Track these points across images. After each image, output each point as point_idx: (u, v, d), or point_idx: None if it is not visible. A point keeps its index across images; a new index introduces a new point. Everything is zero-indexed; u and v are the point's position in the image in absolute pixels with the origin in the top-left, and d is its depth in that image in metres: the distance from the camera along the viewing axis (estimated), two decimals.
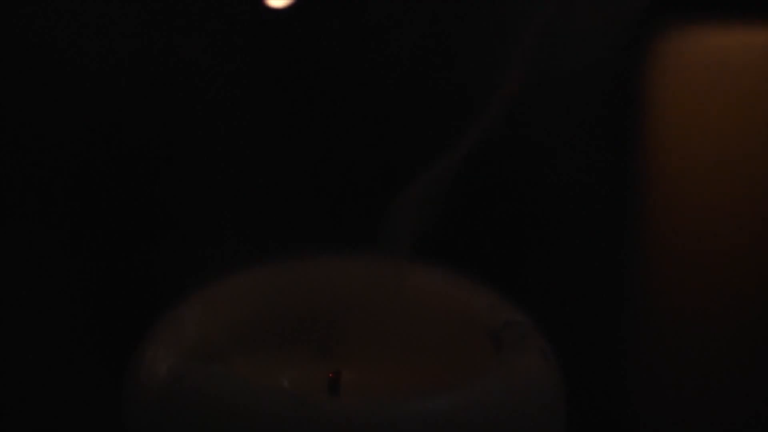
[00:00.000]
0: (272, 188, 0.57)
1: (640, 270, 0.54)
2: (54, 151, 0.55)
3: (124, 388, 0.37)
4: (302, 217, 0.57)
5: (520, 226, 0.58)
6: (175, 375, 0.35)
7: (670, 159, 0.52)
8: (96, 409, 0.46)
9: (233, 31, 0.56)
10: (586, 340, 0.53)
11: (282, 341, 0.41)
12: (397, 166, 0.58)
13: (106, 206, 0.56)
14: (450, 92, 0.58)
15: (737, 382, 0.51)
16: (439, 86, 0.58)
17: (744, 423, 0.51)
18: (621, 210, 0.55)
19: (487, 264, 0.42)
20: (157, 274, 0.56)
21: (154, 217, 0.57)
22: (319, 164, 0.58)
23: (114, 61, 0.55)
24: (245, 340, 0.40)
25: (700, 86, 0.51)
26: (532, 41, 0.48)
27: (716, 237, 0.51)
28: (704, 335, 0.51)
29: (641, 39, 0.53)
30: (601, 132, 0.58)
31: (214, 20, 0.56)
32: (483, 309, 0.39)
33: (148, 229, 0.57)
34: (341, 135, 0.58)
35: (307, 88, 0.57)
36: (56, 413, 0.54)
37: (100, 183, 0.56)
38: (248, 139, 0.57)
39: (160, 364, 0.36)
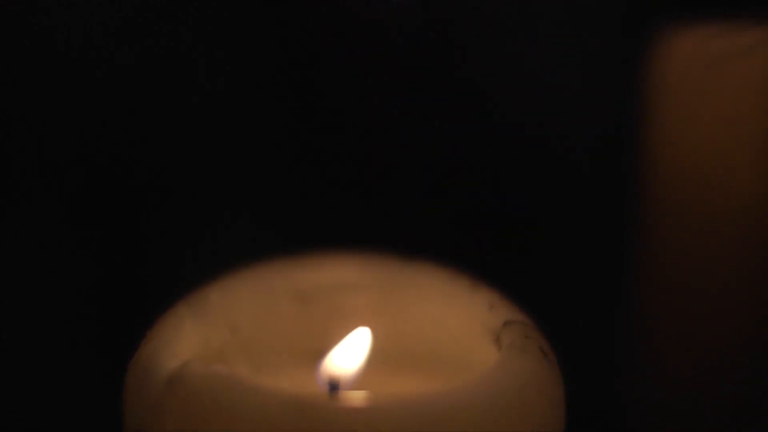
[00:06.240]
0: (272, 188, 0.57)
1: (640, 270, 0.54)
2: (52, 149, 0.55)
3: (124, 388, 0.37)
4: (302, 216, 0.57)
5: (519, 225, 0.58)
6: (175, 375, 0.35)
7: (669, 160, 0.52)
8: (96, 409, 0.46)
9: (231, 29, 0.56)
10: (586, 340, 0.53)
11: (282, 341, 0.41)
12: (396, 166, 0.58)
13: (106, 206, 0.56)
14: (451, 91, 0.58)
15: (737, 381, 0.51)
16: (440, 85, 0.58)
17: (743, 422, 0.51)
18: (620, 210, 0.55)
19: (487, 264, 0.42)
20: (156, 274, 0.56)
21: (154, 217, 0.57)
22: (319, 164, 0.58)
23: (113, 59, 0.55)
24: (245, 340, 0.40)
25: (699, 87, 0.51)
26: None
27: (716, 238, 0.51)
28: (704, 335, 0.51)
29: (639, 39, 0.53)
30: (601, 132, 0.58)
31: (214, 18, 0.56)
32: (483, 309, 0.39)
33: (147, 229, 0.57)
34: (340, 134, 0.58)
35: (307, 87, 0.57)
36: (56, 413, 0.54)
37: (99, 183, 0.56)
38: (248, 139, 0.57)
39: (160, 364, 0.36)
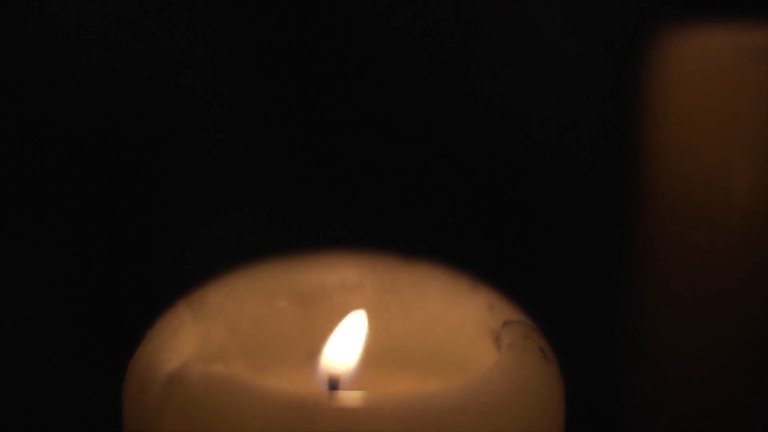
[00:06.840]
0: (272, 188, 0.57)
1: (640, 270, 0.54)
2: (52, 149, 0.55)
3: (124, 388, 0.37)
4: (302, 216, 0.57)
5: (519, 225, 0.58)
6: (175, 375, 0.35)
7: (669, 161, 0.52)
8: (96, 409, 0.46)
9: (231, 29, 0.56)
10: (586, 340, 0.54)
11: (281, 341, 0.41)
12: (396, 166, 0.58)
13: (105, 206, 0.56)
14: (451, 92, 0.58)
15: (737, 382, 0.51)
16: (441, 85, 0.58)
17: (743, 423, 0.51)
18: (621, 211, 0.55)
19: (487, 264, 0.42)
20: (156, 274, 0.56)
21: (154, 216, 0.57)
22: (319, 163, 0.58)
23: (115, 57, 0.55)
24: (245, 340, 0.40)
25: (699, 87, 0.51)
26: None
27: (716, 238, 0.51)
28: (704, 335, 0.51)
29: (639, 40, 0.53)
30: (601, 132, 0.58)
31: (213, 17, 0.56)
32: (483, 309, 0.39)
33: (147, 229, 0.57)
34: (341, 134, 0.58)
35: (307, 87, 0.57)
36: (56, 413, 0.54)
37: (99, 183, 0.56)
38: (248, 139, 0.57)
39: (160, 364, 0.36)
